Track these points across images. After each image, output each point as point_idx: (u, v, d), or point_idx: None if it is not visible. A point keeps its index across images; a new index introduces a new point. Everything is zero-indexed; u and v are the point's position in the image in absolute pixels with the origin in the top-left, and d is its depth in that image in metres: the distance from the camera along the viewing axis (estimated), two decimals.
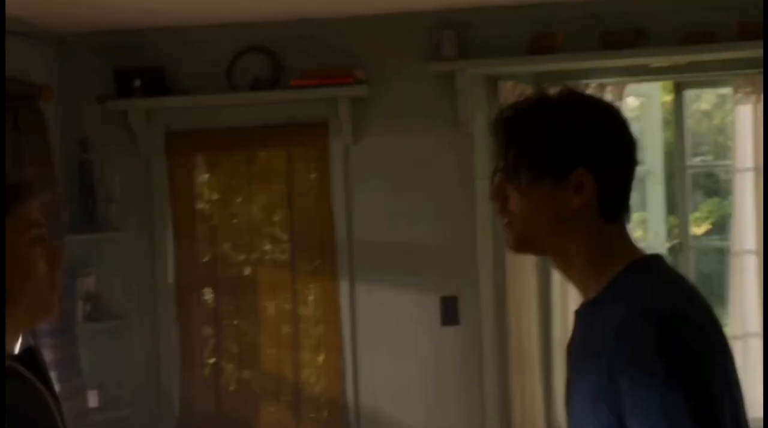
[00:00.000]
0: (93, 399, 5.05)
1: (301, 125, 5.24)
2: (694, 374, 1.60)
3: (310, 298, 5.29)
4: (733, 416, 1.64)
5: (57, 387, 4.45)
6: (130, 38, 5.20)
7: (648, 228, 6.29)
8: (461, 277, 5.04)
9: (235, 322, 5.39)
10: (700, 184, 7.61)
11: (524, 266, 5.00)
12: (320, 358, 5.26)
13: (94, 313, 5.21)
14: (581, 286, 1.83)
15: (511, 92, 5.03)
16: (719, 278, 5.88)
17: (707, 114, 8.41)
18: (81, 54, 5.27)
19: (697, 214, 7.50)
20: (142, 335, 5.35)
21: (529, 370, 5.04)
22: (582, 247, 1.79)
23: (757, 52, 4.41)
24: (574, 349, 1.84)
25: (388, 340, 5.12)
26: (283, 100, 5.16)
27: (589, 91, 4.82)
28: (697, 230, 7.57)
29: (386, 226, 5.13)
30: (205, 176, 5.44)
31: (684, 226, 5.30)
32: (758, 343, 4.83)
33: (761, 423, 4.00)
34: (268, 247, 5.34)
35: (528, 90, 5.23)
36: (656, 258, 1.84)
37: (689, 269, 5.20)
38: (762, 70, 4.57)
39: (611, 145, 1.78)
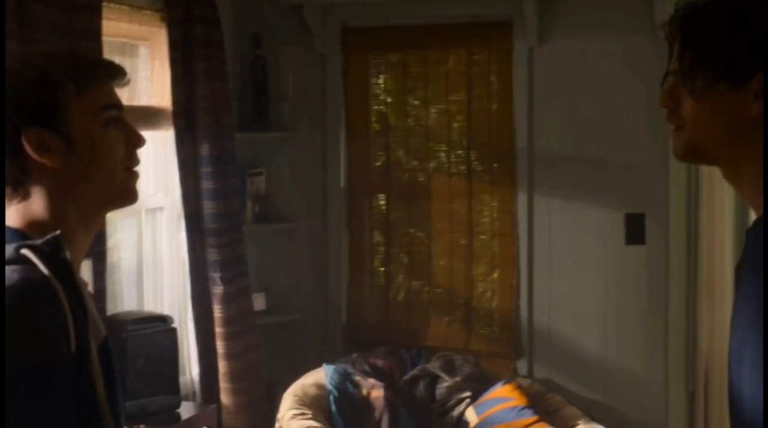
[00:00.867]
0: (259, 302, 4.97)
1: (483, 24, 4.93)
2: None
3: (486, 209, 5.02)
4: None
5: (221, 289, 4.40)
6: None
7: None
8: (650, 192, 4.66)
9: (407, 230, 5.18)
10: None
11: (721, 182, 4.54)
12: (495, 272, 5.01)
13: (262, 214, 5.11)
14: (753, 202, 1.66)
15: None
16: None
17: None
18: None
19: None
20: (311, 239, 5.23)
21: (720, 298, 4.61)
22: (756, 158, 1.62)
23: None
24: (741, 271, 1.67)
25: (566, 257, 4.82)
26: None
27: None
28: None
29: (570, 136, 4.78)
30: (381, 77, 5.19)
31: None
32: None
33: None
34: (443, 153, 5.08)
35: None
36: None
37: None
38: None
39: None
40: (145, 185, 4.66)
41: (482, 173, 5.01)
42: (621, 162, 4.68)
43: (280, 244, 5.24)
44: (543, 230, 4.87)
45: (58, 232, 1.58)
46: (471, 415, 4.51)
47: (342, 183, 5.18)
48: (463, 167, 5.03)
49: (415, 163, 5.14)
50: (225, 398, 4.58)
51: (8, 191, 1.65)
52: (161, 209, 4.60)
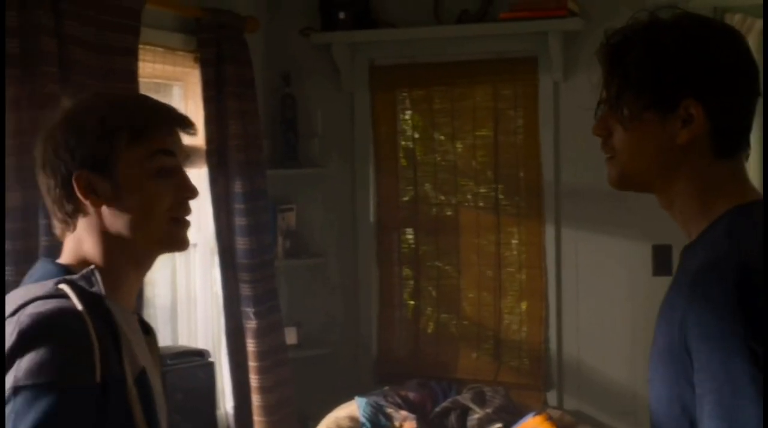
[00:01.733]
0: (291, 336, 5.03)
1: (509, 60, 5.00)
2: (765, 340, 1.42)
3: (514, 242, 5.08)
4: None
5: (254, 323, 4.47)
6: None
7: None
8: (676, 224, 4.69)
9: (435, 264, 5.24)
10: None
11: None
12: (523, 304, 5.06)
13: (293, 249, 5.18)
14: (684, 227, 1.69)
15: (740, 26, 4.62)
16: None
17: None
18: None
19: None
20: (341, 273, 5.30)
21: None
22: (687, 186, 1.65)
23: None
24: (666, 296, 1.67)
25: (594, 289, 4.86)
26: (490, 34, 4.93)
27: None
28: None
29: (596, 168, 4.77)
30: (408, 113, 5.27)
31: None
32: None
33: None
34: (471, 187, 5.15)
35: (757, 24, 4.82)
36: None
37: None
38: None
39: (725, 74, 1.60)
40: None
41: (509, 206, 5.07)
42: (648, 194, 4.73)
43: (311, 279, 5.31)
44: (570, 262, 4.92)
45: (92, 267, 1.68)
46: None
47: (371, 218, 5.25)
48: (490, 201, 5.09)
49: (443, 197, 5.20)
50: None
51: (60, 224, 1.77)
52: (195, 245, 4.68)
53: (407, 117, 5.28)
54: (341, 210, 5.27)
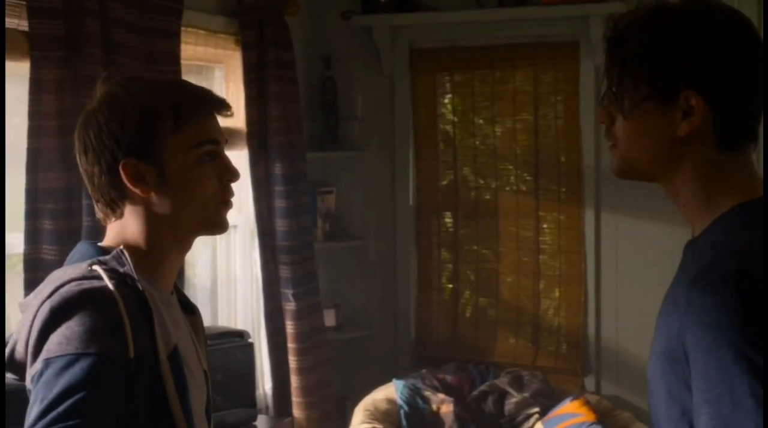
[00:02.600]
0: (330, 318, 5.05)
1: (550, 44, 4.98)
2: (764, 348, 1.37)
3: (553, 227, 5.07)
4: None
5: (293, 305, 4.49)
6: None
7: None
8: None
9: (474, 248, 5.24)
10: None
11: None
12: (561, 289, 5.05)
13: (333, 232, 5.20)
14: (688, 221, 1.63)
15: None
16: None
17: None
18: None
19: None
20: (380, 256, 5.31)
21: None
22: (690, 179, 1.58)
23: None
24: (668, 293, 1.61)
25: (633, 274, 4.84)
26: (532, 17, 4.92)
27: None
28: None
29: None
30: (448, 96, 5.27)
31: None
32: None
33: None
34: (510, 172, 5.14)
35: None
36: None
37: None
38: None
39: (728, 64, 1.53)
40: None
41: (548, 191, 5.06)
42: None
43: (350, 261, 5.33)
44: (610, 247, 4.90)
45: (121, 247, 1.72)
46: None
47: (410, 201, 5.26)
48: (529, 185, 5.09)
49: (482, 181, 5.20)
50: (297, 412, 4.67)
51: (106, 210, 1.79)
52: (235, 227, 4.71)
53: (447, 101, 5.27)
54: (380, 193, 5.29)
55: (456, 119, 5.26)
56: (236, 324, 4.69)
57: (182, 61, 4.01)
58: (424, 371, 4.90)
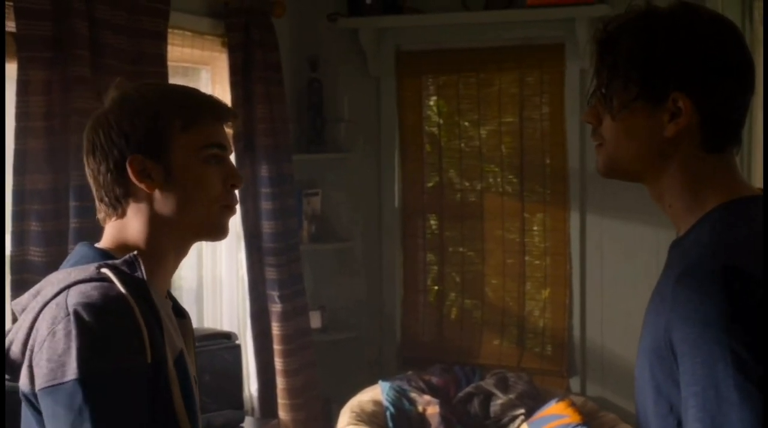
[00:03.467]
0: (315, 320, 5.06)
1: (536, 47, 5.01)
2: (750, 343, 1.41)
3: (538, 229, 5.09)
4: None
5: (279, 307, 4.49)
6: None
7: None
8: None
9: (459, 249, 5.26)
10: None
11: None
12: (546, 291, 5.07)
13: (319, 234, 5.21)
14: (673, 221, 1.67)
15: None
16: None
17: None
18: None
19: None
20: (366, 258, 5.32)
21: None
22: (675, 179, 1.62)
23: None
24: (654, 291, 1.64)
25: (618, 276, 4.86)
26: (518, 20, 4.94)
27: None
28: None
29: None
30: (434, 98, 5.28)
31: None
32: None
33: None
34: (495, 173, 5.16)
35: None
36: (756, 199, 1.60)
37: None
38: None
39: (716, 68, 1.57)
40: None
41: (534, 193, 5.07)
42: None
43: (336, 263, 5.34)
44: (595, 249, 4.92)
45: (134, 252, 1.72)
46: None
47: (396, 203, 5.27)
48: (515, 187, 5.10)
49: (467, 183, 5.21)
50: (283, 413, 4.67)
51: (107, 209, 1.81)
52: None
53: (433, 103, 5.29)
54: (366, 195, 5.29)
55: (441, 121, 5.27)
56: (222, 325, 4.69)
57: (169, 63, 4.01)
58: (409, 372, 4.90)
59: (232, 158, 4.43)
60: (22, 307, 1.72)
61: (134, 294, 1.66)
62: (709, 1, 4.44)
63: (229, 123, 1.86)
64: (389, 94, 5.23)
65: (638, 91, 1.59)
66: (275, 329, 4.66)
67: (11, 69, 3.28)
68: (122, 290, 1.64)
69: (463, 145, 5.20)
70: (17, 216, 3.29)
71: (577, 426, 4.45)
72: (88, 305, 1.61)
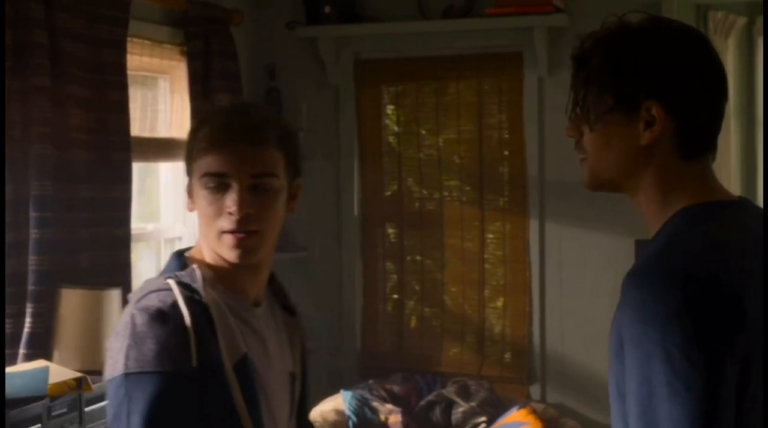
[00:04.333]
0: None
1: (494, 55, 5.03)
2: (682, 344, 1.47)
3: (497, 237, 5.10)
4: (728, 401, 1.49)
5: None
6: None
7: None
8: None
9: (418, 258, 5.26)
10: None
11: None
12: (506, 298, 5.09)
13: (278, 244, 5.15)
14: (648, 226, 1.71)
15: (722, 24, 4.67)
16: None
17: None
18: None
19: None
20: (325, 267, 5.30)
21: None
22: (650, 185, 1.67)
23: None
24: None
25: (577, 283, 4.89)
26: (476, 29, 4.95)
27: None
28: None
29: (580, 164, 4.85)
30: (393, 107, 5.29)
31: None
32: None
33: None
34: (454, 182, 5.17)
35: (739, 22, 4.87)
36: (723, 204, 1.66)
37: None
38: None
39: (685, 75, 1.62)
40: (164, 215, 4.74)
41: (493, 201, 5.09)
42: None
43: (294, 272, 5.29)
44: (554, 257, 4.95)
45: (194, 266, 1.87)
46: None
47: (355, 212, 5.26)
48: (473, 196, 5.11)
49: (426, 192, 5.22)
50: None
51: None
52: (180, 238, 4.68)
53: (391, 111, 5.29)
54: (325, 204, 5.28)
55: (400, 130, 5.28)
56: None
57: (129, 72, 3.98)
58: (371, 381, 4.89)
59: None
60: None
61: (188, 302, 1.79)
62: (663, 11, 4.49)
63: (253, 143, 1.87)
64: (348, 103, 5.23)
65: (613, 102, 1.63)
66: None
67: None
68: (177, 298, 1.79)
69: (421, 154, 5.21)
70: None
71: None
72: (143, 312, 1.78)
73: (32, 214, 3.33)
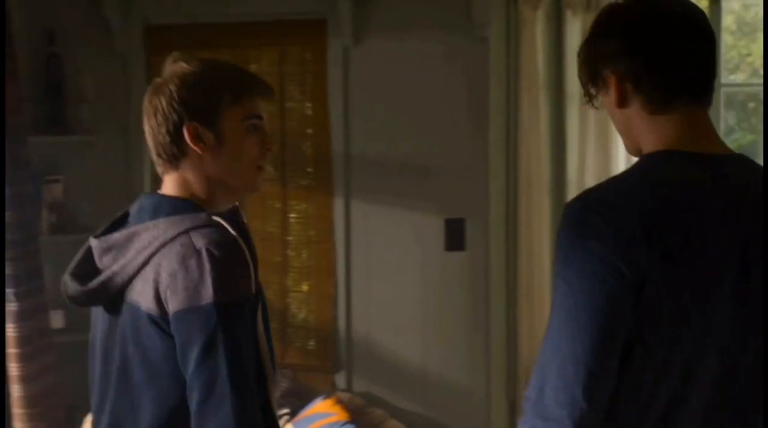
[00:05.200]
0: (57, 320, 4.64)
1: (296, 22, 4.75)
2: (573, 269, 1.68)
3: (301, 217, 4.83)
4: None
5: (14, 306, 4.05)
6: None
7: None
8: (469, 198, 4.55)
9: None
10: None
11: (539, 187, 4.50)
12: (310, 282, 4.82)
13: (61, 224, 4.77)
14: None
15: None
16: None
17: None
18: None
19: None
20: None
21: (539, 303, 4.56)
22: (631, 139, 1.86)
23: None
24: None
25: (385, 265, 4.67)
26: None
27: None
28: None
29: (387, 139, 4.63)
30: None
31: None
32: None
33: None
34: None
35: None
36: (684, 155, 1.76)
37: None
38: None
39: (630, 42, 1.79)
40: None
41: (296, 177, 4.81)
42: (441, 166, 4.56)
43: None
44: (360, 238, 4.71)
45: (236, 204, 2.08)
46: None
47: (147, 191, 4.88)
48: (275, 172, 4.81)
49: None
50: (20, 425, 4.23)
51: (164, 163, 2.12)
52: None
53: None
54: (114, 182, 4.89)
55: None
56: None
57: None
58: None
59: None
60: (108, 245, 2.07)
61: (241, 237, 1.98)
62: None
63: (271, 97, 2.16)
64: (138, 73, 4.86)
65: (587, 79, 1.86)
66: (10, 330, 4.19)
67: None
68: (234, 233, 1.97)
69: None
70: None
71: (345, 424, 4.23)
72: (216, 244, 1.92)
73: None
